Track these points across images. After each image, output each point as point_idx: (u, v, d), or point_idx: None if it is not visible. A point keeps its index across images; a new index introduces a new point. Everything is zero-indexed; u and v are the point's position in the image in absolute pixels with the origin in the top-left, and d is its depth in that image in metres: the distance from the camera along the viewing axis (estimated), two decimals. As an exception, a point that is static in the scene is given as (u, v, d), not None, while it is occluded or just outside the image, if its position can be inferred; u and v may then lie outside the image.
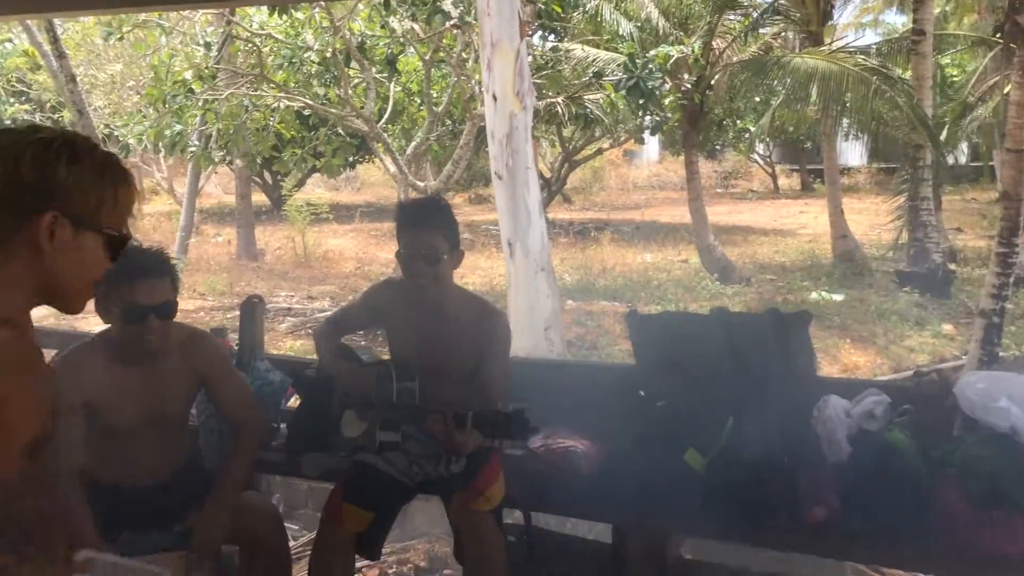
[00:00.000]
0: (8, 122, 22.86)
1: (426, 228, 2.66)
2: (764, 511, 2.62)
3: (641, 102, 9.51)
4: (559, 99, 9.53)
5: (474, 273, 12.62)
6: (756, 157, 27.59)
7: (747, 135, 20.77)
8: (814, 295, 11.61)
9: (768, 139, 23.43)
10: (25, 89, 18.72)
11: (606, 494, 2.88)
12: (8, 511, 1.35)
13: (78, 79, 10.26)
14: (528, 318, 6.96)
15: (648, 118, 12.23)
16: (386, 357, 2.94)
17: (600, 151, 20.25)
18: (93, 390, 2.53)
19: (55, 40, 8.95)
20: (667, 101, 11.81)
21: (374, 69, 9.68)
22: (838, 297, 11.52)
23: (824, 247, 14.92)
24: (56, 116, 18.22)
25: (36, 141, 1.38)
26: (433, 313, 2.72)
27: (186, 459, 2.85)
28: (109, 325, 2.59)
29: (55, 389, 2.50)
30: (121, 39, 9.50)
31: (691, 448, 2.76)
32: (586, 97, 9.92)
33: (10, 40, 21.02)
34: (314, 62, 9.02)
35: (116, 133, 15.17)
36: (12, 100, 20.78)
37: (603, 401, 3.14)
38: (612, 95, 9.09)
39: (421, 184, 9.69)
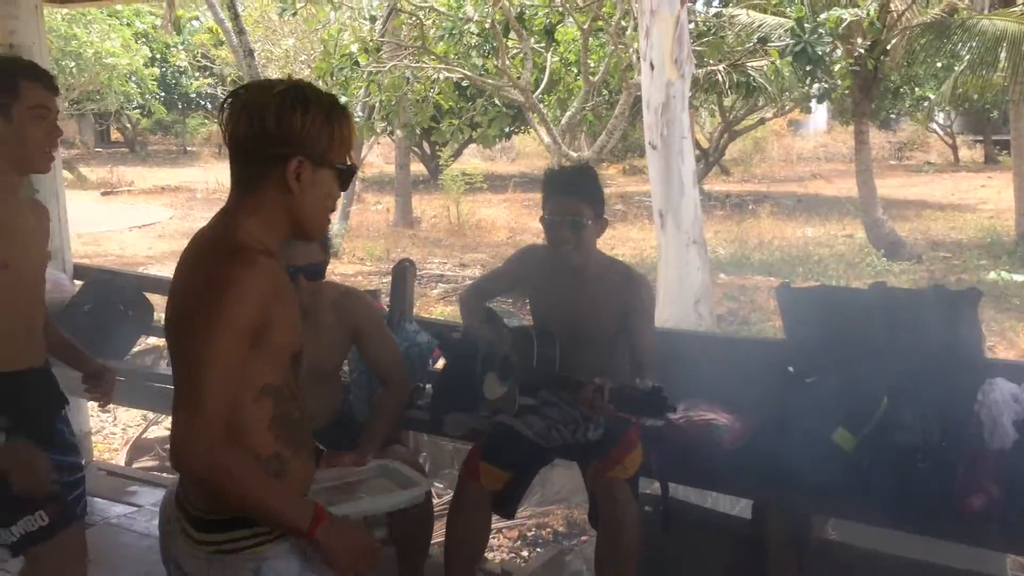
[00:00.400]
0: (193, 95, 24.60)
1: (572, 194, 2.68)
2: (916, 496, 2.50)
3: (808, 69, 9.07)
4: (720, 67, 9.22)
5: (625, 244, 12.53)
6: (935, 127, 25.80)
7: (926, 103, 19.44)
8: (992, 275, 10.79)
9: (949, 107, 21.83)
10: (209, 64, 20.00)
11: (748, 469, 2.83)
12: (283, 412, 1.59)
13: (255, 54, 10.87)
14: (677, 291, 6.84)
15: (816, 86, 11.65)
16: (529, 322, 2.98)
17: (762, 121, 19.54)
18: None
19: (235, 17, 9.50)
20: (837, 68, 11.21)
21: (532, 39, 9.71)
22: (1019, 278, 10.65)
23: (1007, 224, 13.82)
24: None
25: (275, 96, 1.55)
26: (575, 279, 2.74)
27: (339, 411, 3.00)
28: None
29: None
30: (294, 15, 9.97)
31: (841, 427, 2.65)
32: (749, 64, 9.55)
33: (197, 18, 22.50)
34: (473, 33, 9.14)
35: (288, 105, 16.00)
36: (197, 74, 22.29)
37: (749, 375, 3.06)
38: (777, 62, 8.72)
39: (575, 154, 9.67)
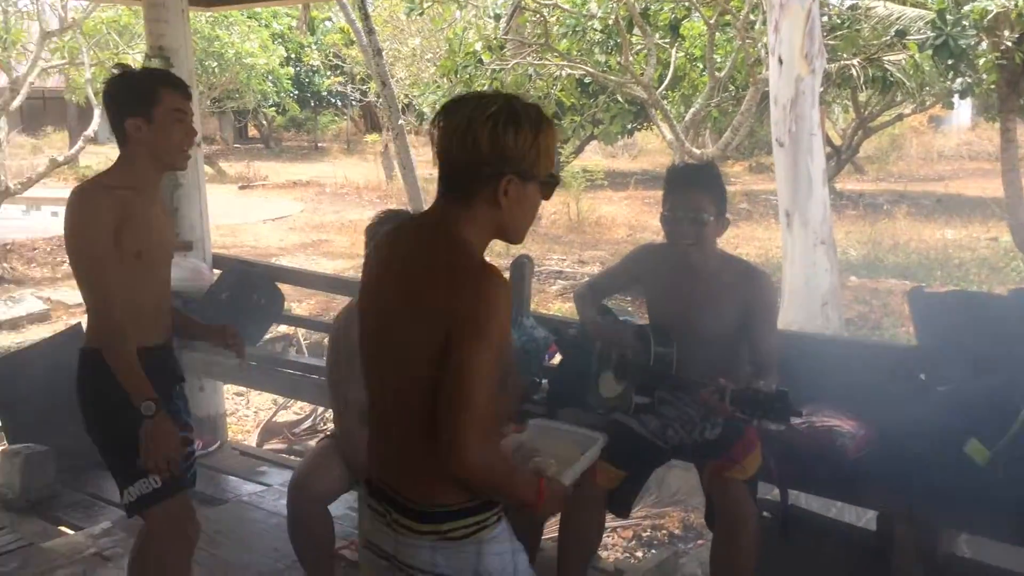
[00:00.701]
0: (324, 93, 25.49)
1: (693, 190, 2.65)
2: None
3: (950, 63, 8.60)
4: (855, 61, 8.86)
5: (750, 244, 12.21)
6: (1092, 124, 23.97)
7: (1083, 99, 18.06)
8: None
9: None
10: (340, 63, 20.68)
11: (873, 479, 2.73)
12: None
13: (383, 53, 11.18)
14: (804, 293, 6.63)
15: (959, 81, 11.04)
16: (645, 320, 2.96)
17: (900, 117, 18.62)
18: None
19: (366, 17, 9.80)
20: (982, 62, 10.59)
21: (656, 35, 9.60)
22: None
23: None
24: (363, 87, 19.99)
25: (488, 118, 1.63)
26: (694, 277, 2.70)
27: None
28: None
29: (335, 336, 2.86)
30: (421, 14, 10.19)
31: (974, 439, 2.53)
32: (886, 58, 9.15)
33: (329, 19, 23.31)
34: (597, 30, 9.10)
35: (413, 103, 16.39)
36: (328, 73, 23.09)
37: (877, 381, 2.95)
38: (916, 56, 8.32)
39: (698, 151, 9.51)
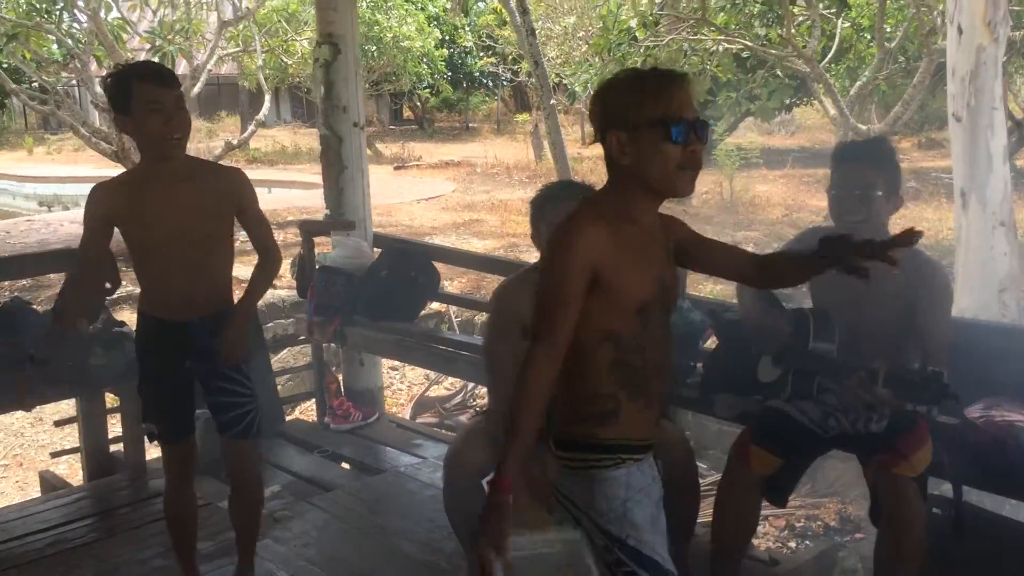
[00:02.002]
0: (476, 73, 25.87)
1: (862, 166, 2.52)
2: None
3: None
4: (1041, 27, 8.17)
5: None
6: None
7: None
8: None
9: None
10: (492, 44, 20.90)
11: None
12: (623, 359, 1.80)
13: (536, 32, 11.21)
14: (979, 277, 6.19)
15: None
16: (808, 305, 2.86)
17: (1092, 87, 17.04)
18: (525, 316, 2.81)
19: (520, -3, 9.86)
20: None
21: (821, 5, 9.16)
22: None
23: None
24: (515, 68, 20.14)
25: (598, 85, 1.86)
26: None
27: None
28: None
29: (498, 308, 2.90)
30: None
31: None
32: (1078, 24, 8.38)
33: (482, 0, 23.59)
34: (757, 2, 8.77)
35: (564, 81, 16.37)
36: (481, 54, 23.40)
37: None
38: (1114, 20, 7.58)
39: (864, 127, 9.02)
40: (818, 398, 2.68)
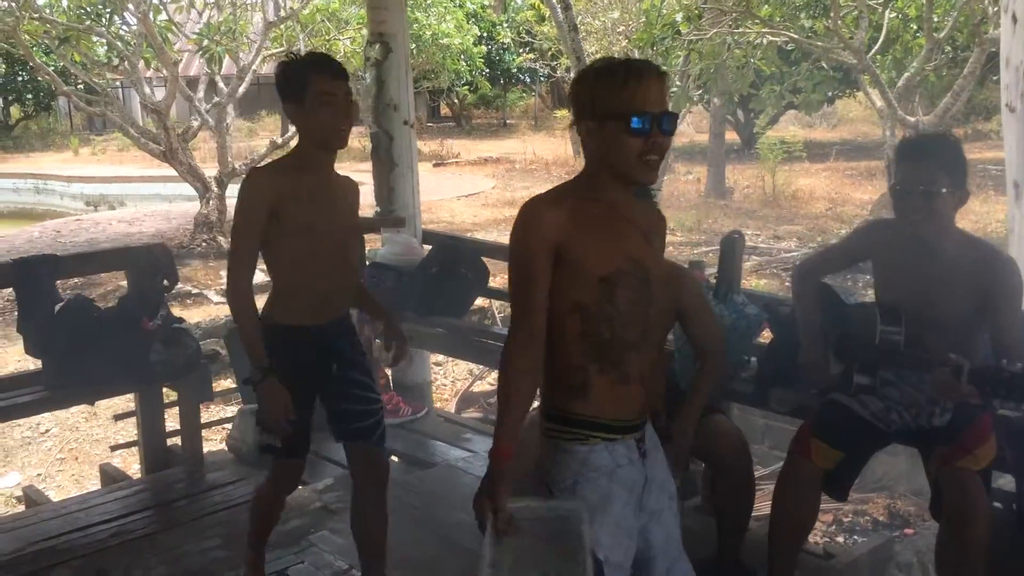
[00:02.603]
0: (514, 70, 25.87)
1: (927, 161, 2.49)
2: None
3: None
4: (1098, 14, 7.95)
5: (964, 218, 11.17)
6: None
7: None
8: None
9: None
10: (530, 40, 20.89)
11: None
12: (591, 330, 1.86)
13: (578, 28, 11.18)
14: (1032, 271, 6.09)
15: None
16: (871, 299, 2.84)
17: None
18: None
19: (563, -7, 9.85)
20: None
21: (867, -4, 9.05)
22: None
23: None
24: (554, 63, 20.09)
25: (582, 70, 1.94)
26: (927, 254, 2.55)
27: (665, 378, 3.07)
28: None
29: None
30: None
31: None
32: None
33: (522, -5, 23.56)
34: (805, -8, 8.67)
35: (603, 76, 16.27)
36: (519, 51, 23.40)
37: None
38: None
39: (911, 119, 8.89)
40: (881, 392, 2.67)
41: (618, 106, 1.80)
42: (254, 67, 10.76)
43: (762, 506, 3.33)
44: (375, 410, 2.81)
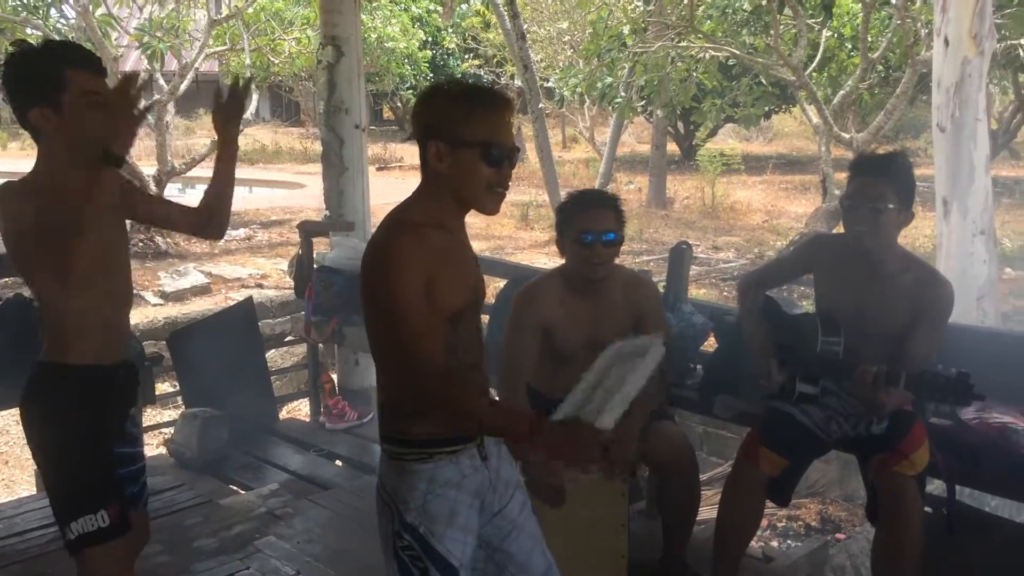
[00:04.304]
0: (458, 75, 25.90)
1: (875, 178, 2.59)
2: None
3: None
4: (1022, 40, 8.34)
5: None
6: None
7: None
8: None
9: None
10: (476, 46, 20.96)
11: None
12: (452, 359, 1.84)
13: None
14: (959, 285, 6.30)
15: None
16: (811, 310, 2.94)
17: (1064, 99, 17.35)
18: (548, 315, 2.88)
19: (511, 1, 9.94)
20: None
21: (807, 14, 9.31)
22: None
23: None
24: (499, 70, 20.20)
25: (427, 90, 1.88)
26: (869, 269, 2.65)
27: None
28: (564, 260, 2.92)
29: (516, 310, 2.94)
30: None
31: None
32: (1057, 37, 8.56)
33: (466, 1, 23.61)
34: (745, 10, 8.88)
35: (548, 85, 16.45)
36: (465, 56, 23.43)
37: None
38: (1091, 34, 7.76)
39: (846, 136, 9.18)
40: (822, 401, 2.76)
41: (477, 134, 1.78)
42: (197, 65, 10.58)
43: (703, 511, 3.41)
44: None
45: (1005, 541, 2.86)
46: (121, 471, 2.29)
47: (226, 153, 2.45)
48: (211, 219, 2.46)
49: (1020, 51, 8.48)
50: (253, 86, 2.43)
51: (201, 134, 22.73)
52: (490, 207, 1.85)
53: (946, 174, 6.20)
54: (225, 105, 2.42)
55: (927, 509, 2.79)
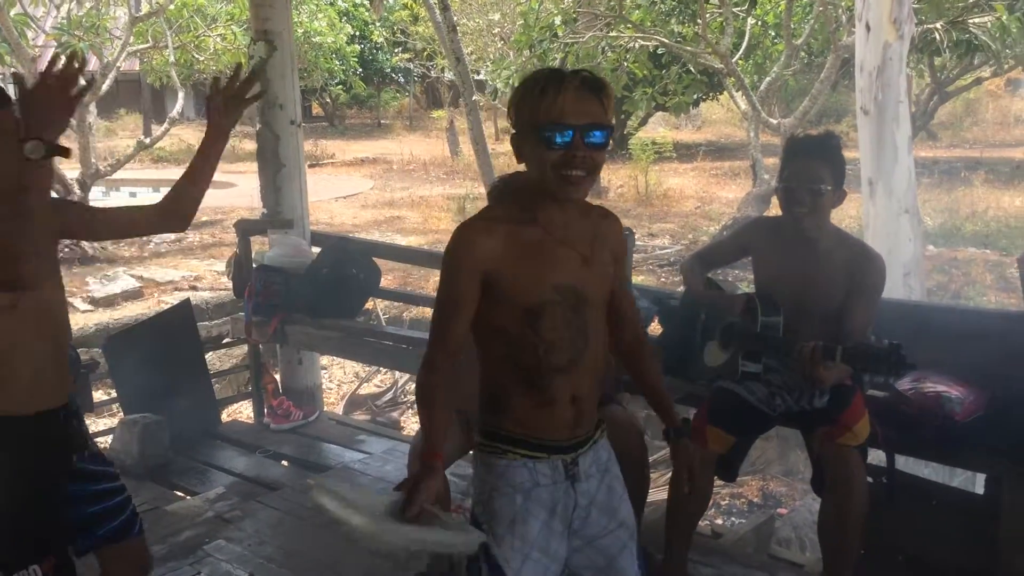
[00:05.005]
0: (388, 70, 25.68)
1: (814, 160, 2.67)
2: None
3: (1038, 24, 8.35)
4: (938, 24, 8.64)
5: None
6: None
7: None
8: None
9: None
10: (405, 39, 20.83)
11: (984, 443, 2.76)
12: (513, 354, 1.84)
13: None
14: (886, 262, 6.54)
15: (1044, 41, 10.69)
16: (751, 290, 3.01)
17: (979, 81, 18.07)
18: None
19: (441, -6, 9.89)
20: (1072, 20, 10.24)
21: (733, 2, 9.48)
22: None
23: None
24: (429, 64, 20.10)
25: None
26: (805, 248, 2.73)
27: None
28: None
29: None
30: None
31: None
32: (971, 21, 8.88)
33: (394, -5, 23.42)
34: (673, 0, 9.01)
35: (479, 78, 16.44)
36: (394, 50, 23.27)
37: (983, 347, 2.96)
38: (1004, 17, 8.07)
39: (773, 121, 9.39)
40: (765, 378, 2.84)
41: (534, 116, 1.75)
42: (119, 64, 10.28)
43: (651, 492, 3.47)
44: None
45: (941, 505, 2.98)
46: (90, 509, 2.19)
47: (213, 145, 2.26)
48: (177, 208, 2.26)
49: (936, 35, 8.78)
50: (264, 70, 2.21)
51: (123, 135, 22.12)
52: (563, 192, 1.77)
53: (871, 155, 6.41)
54: (226, 89, 2.23)
55: (868, 479, 2.89)
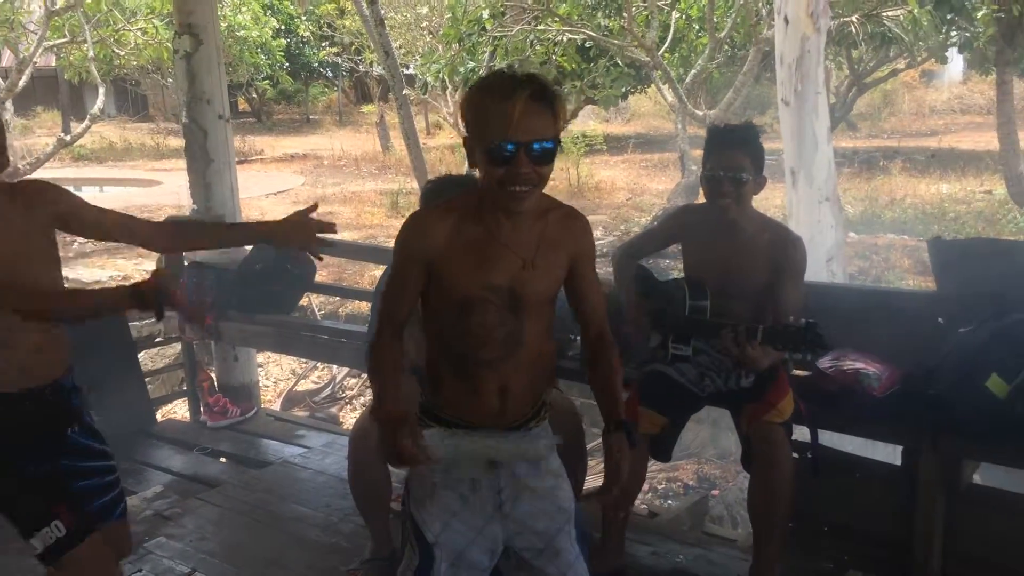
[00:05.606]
0: (316, 64, 25.35)
1: (735, 150, 2.77)
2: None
3: (949, 17, 8.71)
4: (853, 17, 8.95)
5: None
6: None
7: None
8: None
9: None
10: (332, 33, 20.59)
11: (899, 416, 2.91)
12: (447, 343, 1.93)
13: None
14: (809, 249, 6.70)
15: (955, 34, 11.13)
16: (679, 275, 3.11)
17: (894, 73, 18.70)
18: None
19: (367, -12, 9.83)
20: (980, 14, 10.69)
21: (655, -4, 9.65)
22: None
23: None
24: (358, 58, 19.91)
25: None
26: (730, 234, 2.84)
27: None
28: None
29: None
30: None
31: (994, 374, 2.70)
32: (885, 14, 9.22)
33: (319, -12, 23.12)
34: (600, -8, 9.12)
35: (408, 72, 16.38)
36: (321, 44, 22.99)
37: (897, 326, 3.12)
38: (915, 11, 8.40)
39: (700, 113, 9.60)
40: (694, 359, 2.94)
41: (480, 128, 1.72)
42: (36, 59, 9.97)
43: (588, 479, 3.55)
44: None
45: (864, 477, 3.13)
46: (81, 483, 2.29)
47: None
48: (175, 242, 2.68)
49: (852, 28, 9.08)
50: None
51: (41, 133, 21.41)
52: (506, 204, 1.77)
53: (792, 145, 6.61)
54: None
55: (794, 455, 3.02)
